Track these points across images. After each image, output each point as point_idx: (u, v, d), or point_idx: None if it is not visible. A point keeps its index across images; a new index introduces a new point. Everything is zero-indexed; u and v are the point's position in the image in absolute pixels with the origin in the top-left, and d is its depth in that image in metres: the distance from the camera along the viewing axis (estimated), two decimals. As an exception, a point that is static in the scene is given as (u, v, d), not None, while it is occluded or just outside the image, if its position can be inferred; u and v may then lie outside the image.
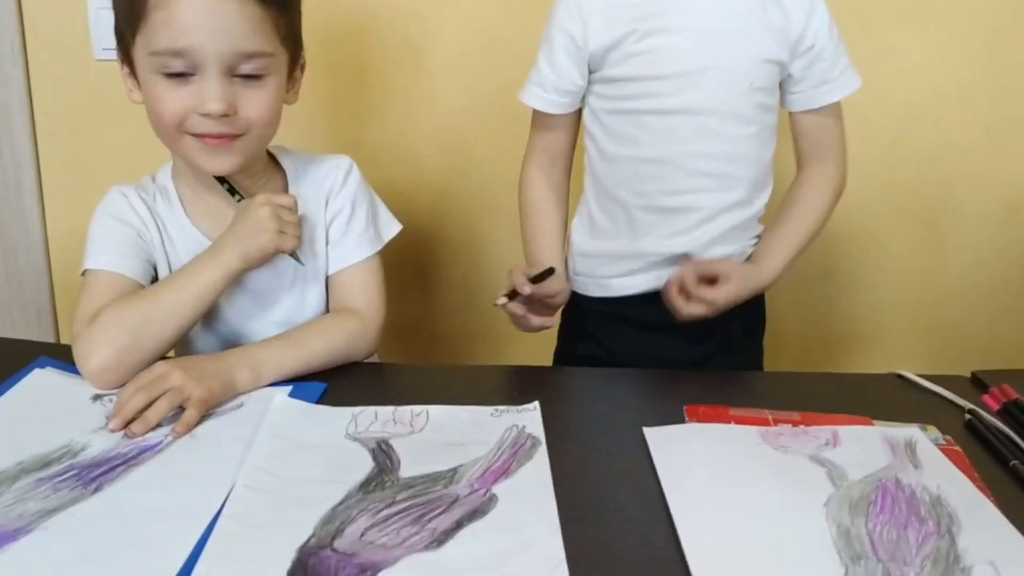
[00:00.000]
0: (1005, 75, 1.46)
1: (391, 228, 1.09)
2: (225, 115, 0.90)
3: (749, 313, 1.11)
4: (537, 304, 1.03)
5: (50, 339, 1.59)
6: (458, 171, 1.51)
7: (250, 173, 1.00)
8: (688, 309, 1.02)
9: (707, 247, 1.07)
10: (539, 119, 1.12)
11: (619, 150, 1.07)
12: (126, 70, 0.96)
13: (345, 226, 1.04)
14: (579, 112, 1.11)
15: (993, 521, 0.71)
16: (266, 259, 0.95)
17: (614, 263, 1.11)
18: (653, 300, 1.07)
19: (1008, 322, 1.56)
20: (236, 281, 0.97)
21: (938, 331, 1.57)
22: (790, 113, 1.10)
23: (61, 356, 0.93)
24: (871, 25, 1.43)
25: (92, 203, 1.55)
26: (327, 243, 1.03)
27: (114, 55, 1.42)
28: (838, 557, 0.66)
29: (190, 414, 0.82)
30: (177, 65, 0.89)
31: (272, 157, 1.06)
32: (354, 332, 0.99)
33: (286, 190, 1.03)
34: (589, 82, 1.07)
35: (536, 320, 1.02)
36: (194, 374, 0.85)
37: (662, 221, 1.07)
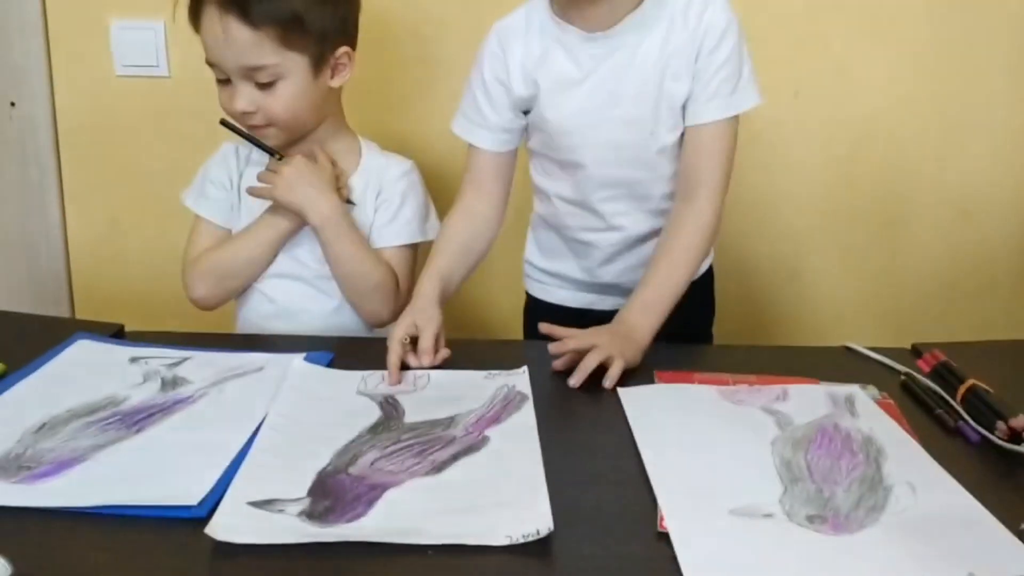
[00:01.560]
0: (952, 89, 1.58)
1: (435, 231, 1.23)
2: (247, 112, 1.10)
3: (700, 300, 1.22)
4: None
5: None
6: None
7: (325, 143, 1.22)
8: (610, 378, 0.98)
9: (636, 269, 1.15)
10: (471, 147, 1.19)
11: (543, 183, 1.19)
12: None
13: (394, 213, 1.22)
14: (511, 152, 1.18)
15: (915, 454, 0.82)
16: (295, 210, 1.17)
17: (559, 279, 1.23)
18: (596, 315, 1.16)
19: (959, 317, 1.67)
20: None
21: (895, 325, 1.68)
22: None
23: (93, 331, 1.05)
24: (828, 44, 1.55)
25: (109, 208, 1.68)
26: (371, 223, 1.22)
27: (132, 71, 1.56)
28: (779, 480, 0.77)
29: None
30: (217, 73, 1.14)
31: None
32: (384, 283, 1.19)
33: (355, 167, 1.24)
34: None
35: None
36: None
37: (587, 250, 1.18)
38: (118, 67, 1.59)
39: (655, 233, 1.15)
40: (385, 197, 1.22)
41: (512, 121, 1.15)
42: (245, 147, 1.25)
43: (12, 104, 1.60)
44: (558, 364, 0.99)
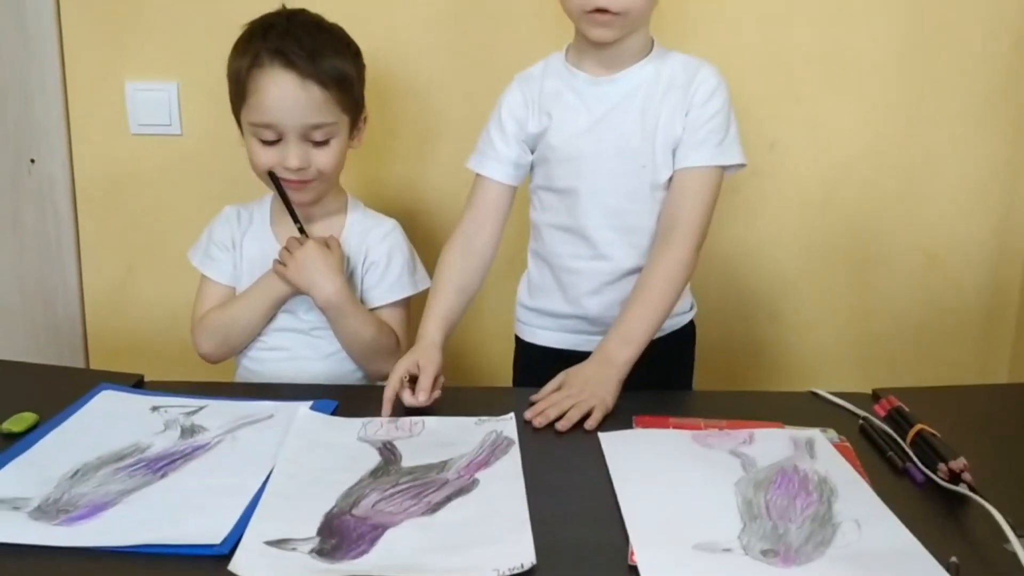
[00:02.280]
0: (918, 141, 1.68)
1: (424, 282, 1.34)
2: (301, 168, 1.24)
3: (678, 355, 1.32)
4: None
5: (82, 380, 1.78)
6: (453, 205, 1.69)
7: (321, 204, 1.33)
8: (567, 420, 1.06)
9: (620, 304, 1.22)
10: (478, 178, 1.28)
11: (539, 217, 1.29)
12: (236, 122, 1.31)
13: (382, 273, 1.32)
14: (512, 188, 1.29)
15: (864, 494, 0.91)
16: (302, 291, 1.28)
17: (546, 316, 1.31)
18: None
19: (929, 356, 1.76)
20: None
21: (868, 363, 1.76)
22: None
23: (115, 382, 1.14)
24: (802, 98, 1.66)
25: (124, 260, 1.78)
26: (361, 282, 1.33)
27: (146, 130, 1.66)
28: (740, 518, 0.86)
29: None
30: (268, 134, 1.24)
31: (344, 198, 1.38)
32: (387, 346, 1.30)
33: (343, 226, 1.35)
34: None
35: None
36: None
37: (575, 280, 1.27)
38: (133, 126, 1.69)
39: (639, 270, 1.23)
40: (372, 260, 1.33)
41: (520, 156, 1.27)
42: (247, 210, 1.36)
43: (32, 161, 1.70)
44: (538, 423, 1.06)
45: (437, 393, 1.12)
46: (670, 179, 1.22)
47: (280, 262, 1.28)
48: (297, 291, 1.28)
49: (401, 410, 1.10)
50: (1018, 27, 1.62)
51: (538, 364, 1.29)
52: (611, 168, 1.23)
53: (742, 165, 1.24)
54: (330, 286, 1.25)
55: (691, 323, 1.36)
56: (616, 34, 1.18)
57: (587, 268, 1.27)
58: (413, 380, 1.12)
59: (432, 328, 1.19)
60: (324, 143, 1.26)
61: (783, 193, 1.71)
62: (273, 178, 1.27)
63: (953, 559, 0.78)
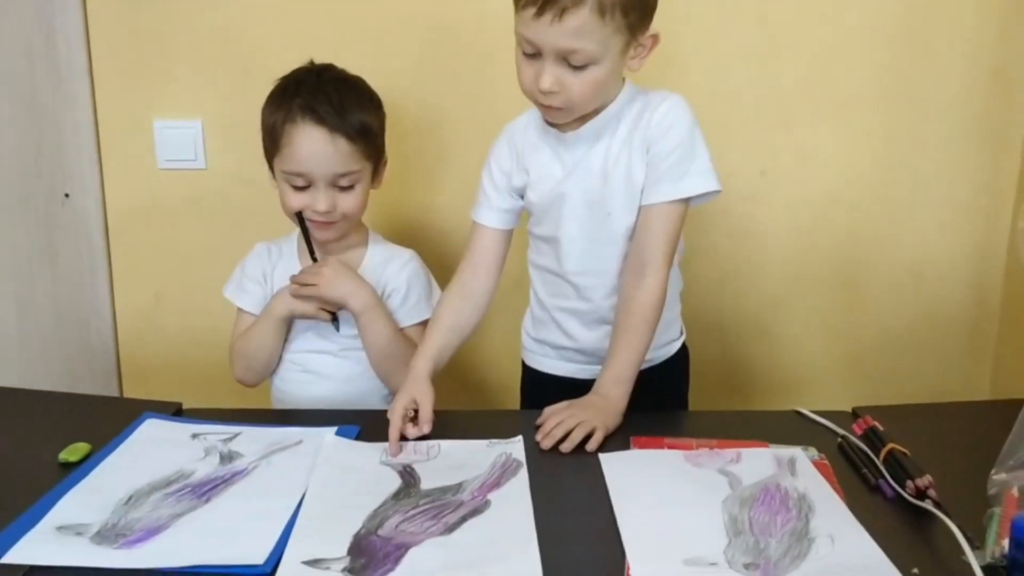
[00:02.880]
0: (903, 166, 1.77)
1: None
2: (328, 211, 1.36)
3: (673, 379, 1.42)
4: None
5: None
6: (464, 233, 1.79)
7: (344, 239, 1.45)
8: (569, 442, 1.16)
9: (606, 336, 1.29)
10: (475, 224, 1.37)
11: (533, 259, 1.39)
12: (269, 168, 1.43)
13: (403, 298, 1.44)
14: (508, 231, 1.37)
15: (839, 510, 1.00)
16: (296, 316, 1.41)
17: (547, 346, 1.41)
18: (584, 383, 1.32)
19: (914, 372, 1.86)
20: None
21: (854, 379, 1.86)
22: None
23: (157, 410, 1.25)
24: (792, 128, 1.75)
25: (153, 287, 1.88)
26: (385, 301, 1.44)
27: (173, 165, 1.77)
28: (725, 533, 0.96)
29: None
30: (298, 181, 1.37)
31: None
32: (407, 355, 1.35)
33: (362, 259, 1.47)
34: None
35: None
36: None
37: (566, 318, 1.36)
38: (160, 161, 1.79)
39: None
40: (394, 287, 1.44)
41: (511, 203, 1.35)
42: (276, 245, 1.47)
43: (67, 195, 1.81)
44: (545, 445, 1.17)
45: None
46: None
47: (303, 283, 1.38)
48: (288, 313, 1.40)
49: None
50: (995, 59, 1.72)
51: (543, 389, 1.39)
52: (581, 217, 1.30)
53: (716, 191, 1.26)
54: (364, 291, 1.38)
55: (683, 346, 1.45)
56: (570, 117, 1.25)
57: (573, 308, 1.36)
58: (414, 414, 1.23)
59: (421, 365, 1.28)
60: (349, 188, 1.38)
61: (773, 217, 1.80)
62: (300, 218, 1.38)
63: (915, 571, 0.88)
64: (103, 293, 1.86)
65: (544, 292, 1.39)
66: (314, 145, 1.34)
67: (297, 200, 1.38)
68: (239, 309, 1.47)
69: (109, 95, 1.78)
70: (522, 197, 1.35)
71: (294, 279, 1.39)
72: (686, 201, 1.26)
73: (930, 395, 1.81)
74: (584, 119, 1.27)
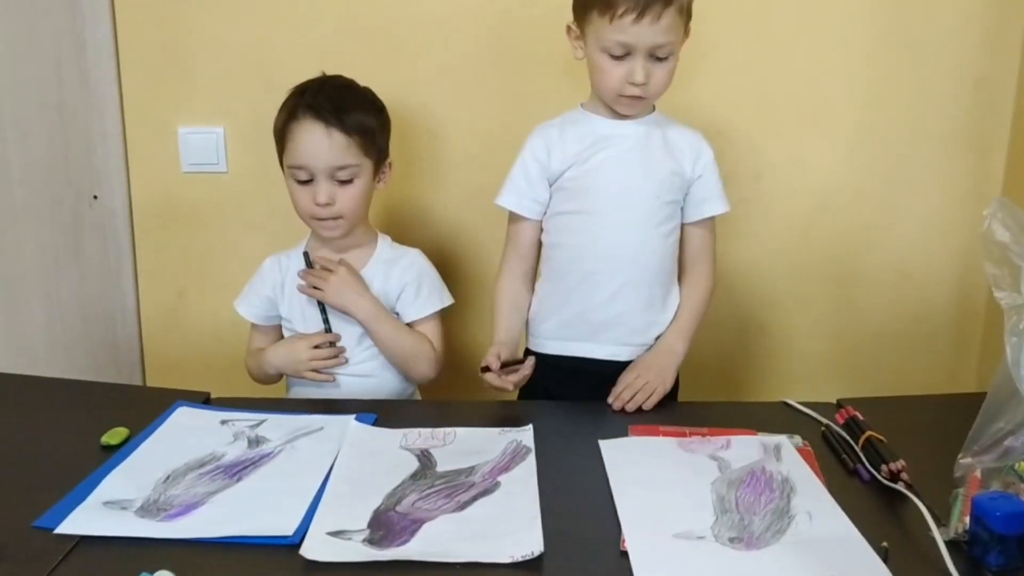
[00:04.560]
0: (892, 170, 1.85)
1: (449, 298, 1.56)
2: (328, 204, 1.44)
3: None
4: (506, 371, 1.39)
5: (139, 392, 1.98)
6: (467, 233, 1.91)
7: (352, 237, 1.53)
8: (634, 403, 1.36)
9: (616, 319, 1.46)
10: (514, 220, 1.51)
11: (556, 239, 1.48)
12: (282, 169, 1.51)
13: (415, 293, 1.53)
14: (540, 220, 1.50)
15: (818, 491, 1.09)
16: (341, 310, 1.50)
17: (554, 328, 1.50)
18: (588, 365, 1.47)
19: (902, 366, 1.94)
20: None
21: (847, 372, 1.94)
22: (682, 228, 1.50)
23: (187, 399, 1.35)
24: (784, 136, 1.83)
25: (175, 284, 1.97)
26: (396, 303, 1.53)
27: (196, 169, 1.86)
28: (713, 511, 1.05)
29: None
30: (301, 174, 1.46)
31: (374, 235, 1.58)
32: (424, 351, 1.51)
33: (370, 257, 1.54)
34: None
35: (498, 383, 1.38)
36: None
37: (581, 294, 1.46)
38: (184, 165, 1.88)
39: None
40: (404, 282, 1.53)
41: (542, 194, 1.47)
42: (286, 256, 1.57)
43: (95, 197, 1.90)
44: (616, 407, 1.37)
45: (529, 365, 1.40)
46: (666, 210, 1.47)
47: (316, 288, 1.47)
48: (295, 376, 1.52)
49: (433, 420, 1.29)
50: (979, 70, 1.80)
51: (545, 376, 1.48)
52: (631, 186, 1.44)
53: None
54: (366, 301, 1.47)
55: None
56: (648, 107, 1.46)
57: (601, 268, 1.48)
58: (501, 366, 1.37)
59: (503, 335, 1.47)
60: (348, 182, 1.46)
61: (768, 219, 1.89)
62: (306, 256, 1.52)
63: (884, 544, 0.96)
64: (128, 290, 1.94)
65: (559, 270, 1.49)
66: (313, 138, 1.43)
67: (303, 194, 1.46)
68: (252, 325, 1.59)
69: (136, 103, 1.86)
70: (551, 185, 1.47)
71: (302, 275, 1.49)
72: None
73: (918, 389, 1.89)
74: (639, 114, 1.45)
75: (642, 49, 1.35)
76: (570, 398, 1.40)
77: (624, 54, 1.36)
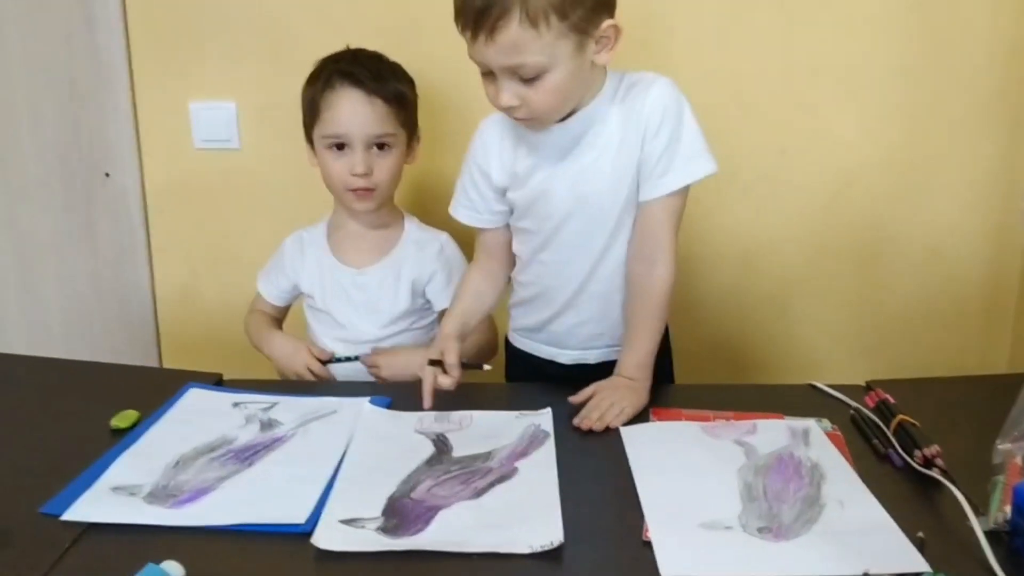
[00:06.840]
0: (921, 143, 1.79)
1: None
2: (365, 174, 1.43)
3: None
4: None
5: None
6: None
7: (379, 216, 1.53)
8: (601, 422, 1.19)
9: (578, 326, 1.36)
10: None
11: (519, 247, 1.37)
12: (308, 146, 1.50)
13: (447, 279, 1.54)
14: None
15: (849, 477, 1.05)
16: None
17: (531, 332, 1.43)
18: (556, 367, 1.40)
19: (931, 346, 1.89)
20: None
21: (873, 353, 1.90)
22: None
23: (198, 380, 1.32)
24: (810, 108, 1.78)
25: (189, 262, 1.95)
26: (426, 287, 1.54)
27: (208, 145, 1.83)
28: (740, 500, 1.01)
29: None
30: (338, 144, 1.44)
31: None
32: (493, 340, 1.54)
33: (399, 238, 1.55)
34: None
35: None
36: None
37: (537, 305, 1.38)
38: (196, 141, 1.86)
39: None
40: (435, 268, 1.53)
41: (495, 203, 1.34)
42: (307, 232, 1.57)
43: (107, 174, 1.87)
44: (584, 426, 1.19)
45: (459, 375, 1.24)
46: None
47: (372, 365, 1.49)
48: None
49: (448, 404, 1.25)
50: (1012, 37, 1.73)
51: (531, 371, 1.45)
52: (570, 211, 1.28)
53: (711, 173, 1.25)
54: (417, 359, 1.32)
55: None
56: (545, 125, 1.23)
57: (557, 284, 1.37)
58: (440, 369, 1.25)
59: (449, 326, 1.32)
60: (386, 153, 1.46)
61: (793, 195, 1.84)
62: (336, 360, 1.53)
63: (920, 534, 0.92)
64: (142, 268, 1.92)
65: (525, 276, 1.39)
66: (353, 106, 1.42)
67: (338, 165, 1.45)
68: (258, 292, 1.60)
69: (147, 79, 1.84)
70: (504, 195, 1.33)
71: (365, 362, 1.49)
72: (686, 187, 1.26)
73: (948, 371, 1.83)
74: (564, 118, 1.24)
75: (497, 69, 1.15)
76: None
77: (487, 72, 1.18)
